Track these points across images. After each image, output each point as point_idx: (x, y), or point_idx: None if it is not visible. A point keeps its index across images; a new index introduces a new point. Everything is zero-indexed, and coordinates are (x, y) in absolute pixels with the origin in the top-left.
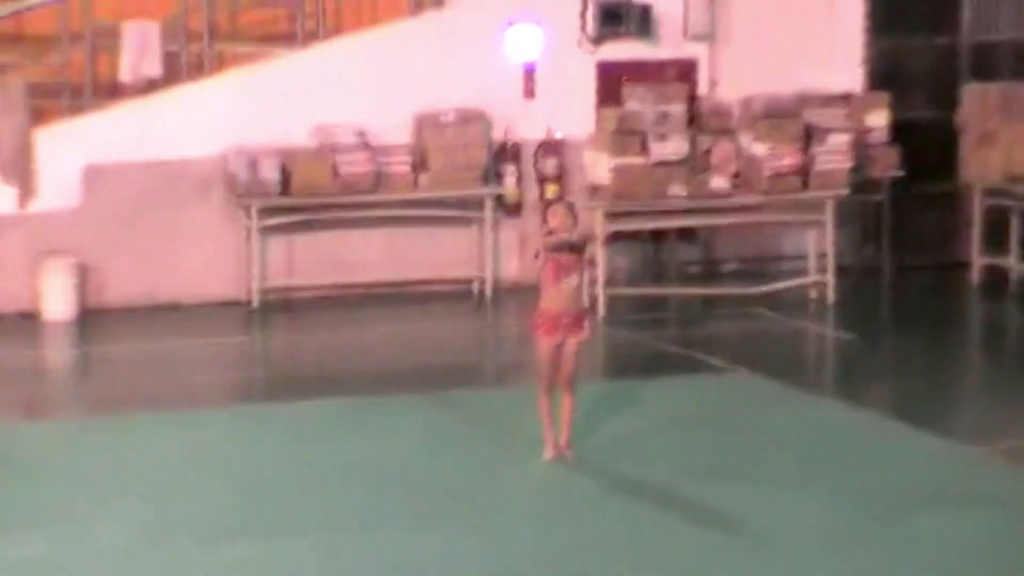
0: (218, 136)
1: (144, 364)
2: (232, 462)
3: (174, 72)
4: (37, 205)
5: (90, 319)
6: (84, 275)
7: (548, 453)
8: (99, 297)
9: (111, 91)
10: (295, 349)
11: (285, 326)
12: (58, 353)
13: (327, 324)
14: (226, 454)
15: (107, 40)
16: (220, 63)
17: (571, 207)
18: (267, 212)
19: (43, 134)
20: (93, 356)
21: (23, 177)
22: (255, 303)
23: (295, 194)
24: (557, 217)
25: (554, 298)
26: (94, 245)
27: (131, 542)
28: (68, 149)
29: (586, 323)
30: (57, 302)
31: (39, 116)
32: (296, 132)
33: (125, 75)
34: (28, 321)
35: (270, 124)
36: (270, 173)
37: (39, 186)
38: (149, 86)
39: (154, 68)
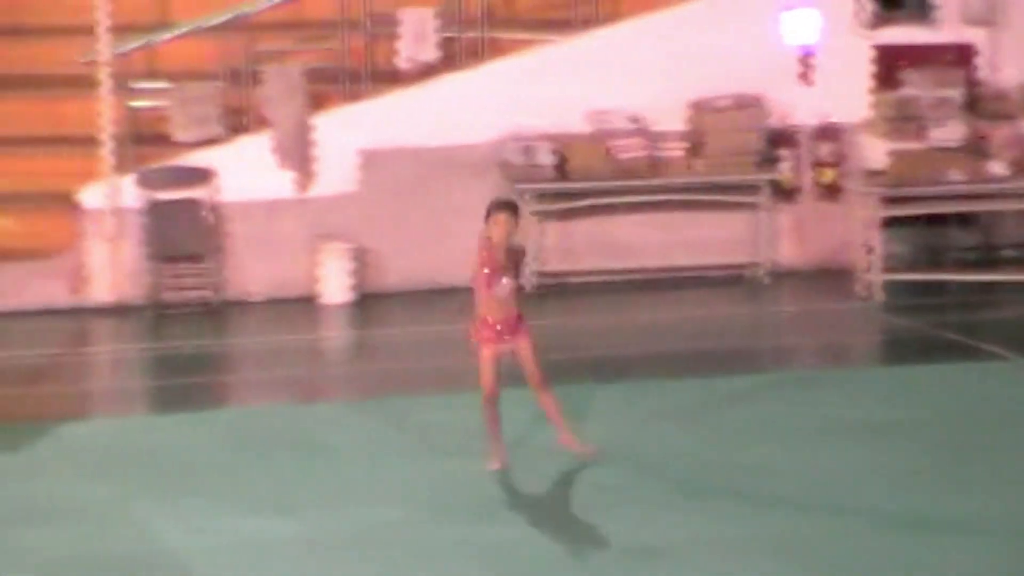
0: (493, 121)
1: (417, 347)
2: (507, 443)
3: (450, 58)
4: (315, 189)
5: (367, 303)
6: (361, 259)
7: (493, 464)
8: (377, 281)
9: (388, 76)
10: (569, 333)
11: (560, 310)
12: (334, 336)
13: (602, 308)
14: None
15: (384, 26)
16: (495, 49)
17: (515, 212)
18: (542, 197)
19: (321, 119)
20: (368, 339)
21: (302, 162)
22: (530, 287)
23: (571, 179)
24: (499, 225)
25: (490, 306)
26: (371, 229)
27: (393, 522)
28: (346, 134)
29: (524, 323)
30: (335, 286)
31: (317, 101)
32: (570, 118)
33: (402, 61)
34: (306, 305)
35: (544, 110)
36: (545, 158)
37: (317, 170)
38: (426, 72)
39: (430, 54)
